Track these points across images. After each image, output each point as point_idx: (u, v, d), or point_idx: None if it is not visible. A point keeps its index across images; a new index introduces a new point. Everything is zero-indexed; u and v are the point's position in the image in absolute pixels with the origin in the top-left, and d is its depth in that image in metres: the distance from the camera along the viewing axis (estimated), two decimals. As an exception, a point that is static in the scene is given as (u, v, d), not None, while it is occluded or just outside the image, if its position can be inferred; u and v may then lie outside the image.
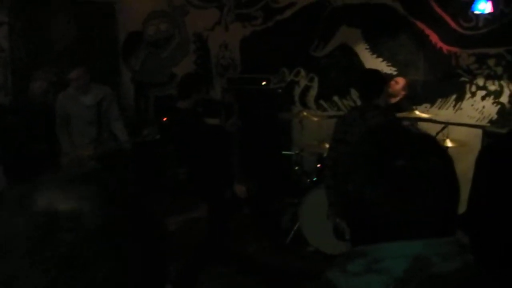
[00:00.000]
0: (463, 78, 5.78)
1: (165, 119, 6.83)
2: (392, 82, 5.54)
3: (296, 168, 6.02)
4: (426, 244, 0.98)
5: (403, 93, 5.59)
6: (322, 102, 6.64)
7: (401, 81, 5.61)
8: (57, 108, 5.14)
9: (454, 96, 5.84)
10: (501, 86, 5.58)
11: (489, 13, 5.39)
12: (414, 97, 5.82)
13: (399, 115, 5.19)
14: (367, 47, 6.28)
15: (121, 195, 0.77)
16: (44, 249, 0.66)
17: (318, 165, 5.48)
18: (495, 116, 5.62)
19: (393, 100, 5.51)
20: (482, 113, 5.72)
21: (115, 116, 5.39)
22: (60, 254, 0.66)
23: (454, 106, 5.85)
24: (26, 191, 0.72)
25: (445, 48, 5.84)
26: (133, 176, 5.42)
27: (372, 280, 0.96)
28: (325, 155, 5.33)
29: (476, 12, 5.40)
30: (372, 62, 6.25)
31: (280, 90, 6.64)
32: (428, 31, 5.89)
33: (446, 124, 5.13)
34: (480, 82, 5.70)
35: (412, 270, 0.95)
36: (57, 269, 0.65)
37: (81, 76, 4.96)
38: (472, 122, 5.71)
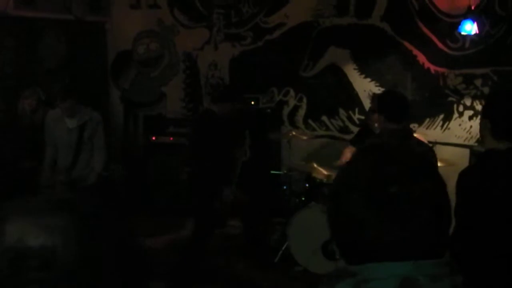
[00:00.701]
0: (450, 98, 5.83)
1: (154, 138, 6.86)
2: (376, 125, 5.44)
3: (285, 187, 6.01)
4: (415, 265, 0.97)
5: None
6: (311, 121, 6.66)
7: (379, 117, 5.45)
8: (45, 128, 5.05)
9: (442, 116, 5.89)
10: (488, 106, 5.62)
11: (475, 34, 5.46)
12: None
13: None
14: (356, 67, 6.32)
15: (95, 223, 0.73)
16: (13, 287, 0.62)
17: (307, 185, 5.47)
18: (482, 136, 5.65)
19: None
20: (470, 133, 5.76)
21: (99, 145, 5.13)
22: None
23: (442, 125, 5.89)
24: None
25: (433, 68, 5.90)
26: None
27: None
28: (313, 174, 5.35)
29: (463, 33, 5.47)
30: (361, 82, 6.30)
31: (269, 110, 6.66)
32: (416, 52, 5.95)
33: (434, 143, 5.16)
34: (468, 102, 5.75)
35: None
36: None
37: (69, 107, 4.83)
38: (460, 141, 5.75)
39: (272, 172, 6.32)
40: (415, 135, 5.23)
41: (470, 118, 5.75)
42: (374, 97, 6.09)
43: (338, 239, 1.10)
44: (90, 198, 0.78)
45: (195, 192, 4.91)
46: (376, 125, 5.44)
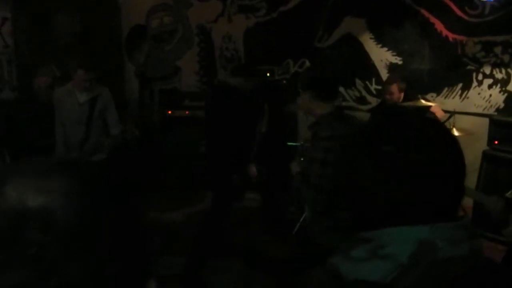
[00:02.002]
0: (469, 67, 5.72)
1: (169, 112, 6.86)
2: (388, 97, 5.37)
3: (302, 159, 5.99)
4: (432, 228, 0.95)
5: (401, 94, 5.40)
6: (327, 93, 6.60)
7: (394, 90, 5.40)
8: (54, 104, 4.99)
9: (460, 85, 5.79)
10: (508, 74, 5.52)
11: (495, 0, 5.33)
12: (420, 87, 5.78)
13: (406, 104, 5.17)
14: (372, 36, 6.23)
15: (98, 186, 0.71)
16: (12, 249, 0.61)
17: (324, 156, 5.44)
18: (502, 105, 5.56)
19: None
20: (489, 102, 5.66)
21: (113, 121, 5.00)
22: (29, 255, 0.61)
23: (461, 95, 5.80)
24: None
25: (451, 36, 5.79)
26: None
27: (376, 266, 0.94)
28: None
29: (482, -1, 5.35)
30: (377, 52, 6.21)
31: (284, 82, 6.61)
32: (433, 20, 5.83)
33: (453, 113, 5.09)
34: (487, 70, 5.64)
35: (417, 255, 0.93)
36: (25, 271, 0.61)
37: (84, 79, 4.77)
38: (479, 111, 5.66)
39: (289, 143, 6.30)
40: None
41: (490, 86, 5.64)
42: (391, 69, 6.04)
43: (352, 204, 1.09)
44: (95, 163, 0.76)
45: (213, 165, 4.91)
46: (387, 97, 5.39)
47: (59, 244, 0.62)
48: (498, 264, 1.06)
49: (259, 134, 5.09)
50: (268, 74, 6.41)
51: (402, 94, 5.36)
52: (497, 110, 5.58)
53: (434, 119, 1.16)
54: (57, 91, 4.98)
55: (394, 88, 5.33)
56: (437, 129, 1.08)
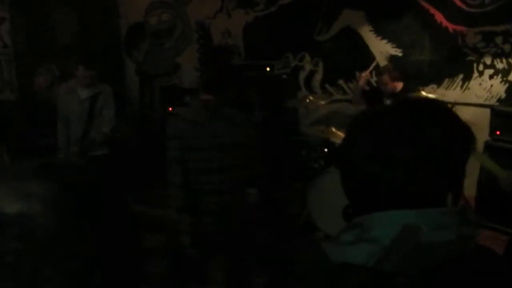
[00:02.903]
0: (470, 57, 5.70)
1: (170, 109, 6.85)
2: (383, 88, 5.34)
3: (303, 153, 5.98)
4: (418, 213, 0.95)
5: (397, 83, 5.35)
6: (327, 86, 6.60)
7: (386, 80, 5.30)
8: (58, 101, 5.04)
9: (461, 76, 5.76)
10: (509, 64, 5.49)
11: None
12: (421, 78, 5.76)
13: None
14: (371, 29, 6.20)
15: (81, 190, 0.66)
16: None
17: (325, 150, 5.44)
18: (503, 95, 5.54)
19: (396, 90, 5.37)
20: (490, 92, 5.64)
21: (110, 115, 5.05)
22: (6, 264, 0.58)
23: (462, 86, 5.78)
24: None
25: (451, 27, 5.76)
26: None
27: (361, 249, 0.95)
28: (332, 139, 5.31)
29: (482, -11, 5.32)
30: (377, 44, 6.19)
31: (285, 76, 6.60)
32: (433, 11, 5.80)
33: (454, 104, 5.08)
34: (488, 60, 5.61)
35: (400, 239, 0.93)
36: (2, 282, 0.57)
37: (86, 76, 4.81)
38: (480, 101, 5.64)
39: (290, 138, 6.30)
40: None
41: (491, 77, 5.62)
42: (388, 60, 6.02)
43: (346, 190, 1.09)
44: (79, 166, 0.73)
45: None
46: (382, 89, 5.37)
47: (39, 253, 0.59)
48: (493, 253, 1.04)
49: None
50: (268, 69, 6.39)
51: (400, 84, 5.28)
52: (499, 100, 5.55)
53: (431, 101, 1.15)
54: (60, 88, 5.02)
55: (386, 78, 5.27)
56: (437, 113, 1.06)
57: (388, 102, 5.21)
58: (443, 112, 1.06)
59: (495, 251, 1.04)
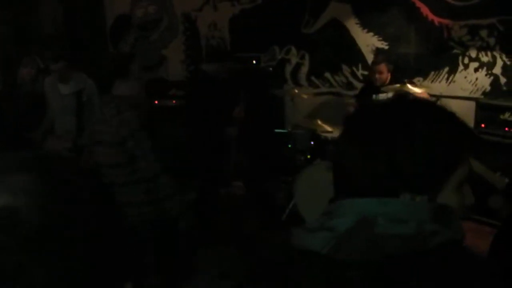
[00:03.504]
0: (455, 50, 5.73)
1: (156, 102, 6.81)
2: (377, 76, 5.41)
3: (289, 146, 5.99)
4: (380, 202, 0.94)
5: (389, 75, 5.45)
6: (314, 79, 6.60)
7: (383, 69, 5.44)
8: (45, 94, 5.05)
9: (446, 69, 5.79)
10: (494, 57, 5.53)
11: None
12: (406, 71, 5.78)
13: (390, 88, 5.18)
14: (358, 21, 6.21)
15: (68, 183, 0.64)
16: None
17: (312, 142, 5.45)
18: (488, 88, 5.57)
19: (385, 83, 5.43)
20: (476, 85, 5.67)
21: (95, 112, 4.97)
22: None
23: (447, 78, 5.81)
24: None
25: (437, 20, 5.78)
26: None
27: (320, 237, 0.95)
28: (318, 132, 5.33)
29: (467, -18, 5.34)
30: (363, 36, 6.19)
31: (271, 69, 6.59)
32: (419, 4, 5.82)
33: (439, 97, 5.11)
34: (473, 53, 5.65)
35: (354, 228, 0.92)
36: None
37: (61, 69, 4.80)
38: (466, 94, 5.67)
39: (276, 130, 6.29)
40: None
41: (476, 70, 5.65)
42: (378, 51, 6.04)
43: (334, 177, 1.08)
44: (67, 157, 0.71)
45: (197, 154, 4.90)
46: (377, 77, 5.41)
47: (24, 247, 0.57)
48: (462, 252, 0.98)
49: (237, 120, 5.04)
50: (254, 62, 6.38)
51: (389, 76, 5.38)
52: (484, 93, 5.59)
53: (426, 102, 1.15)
54: (45, 82, 5.01)
55: (383, 67, 5.36)
56: (419, 108, 1.07)
57: (376, 97, 5.25)
58: (441, 113, 1.06)
59: (467, 255, 1.00)
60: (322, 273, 0.94)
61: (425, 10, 5.81)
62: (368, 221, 0.92)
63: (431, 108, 1.08)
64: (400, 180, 0.96)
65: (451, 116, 1.06)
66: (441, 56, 5.80)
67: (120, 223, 0.69)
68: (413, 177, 0.96)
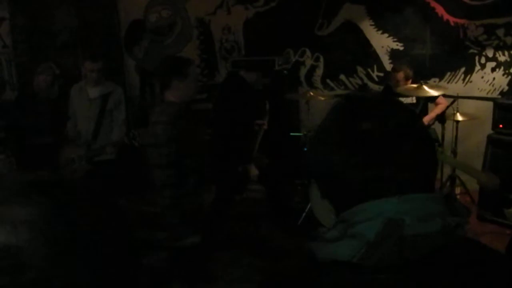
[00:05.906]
0: (471, 50, 5.66)
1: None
2: (394, 83, 5.38)
3: (305, 149, 5.96)
4: (400, 200, 0.93)
5: (407, 82, 5.40)
6: (329, 81, 6.57)
7: (400, 77, 5.40)
8: (69, 101, 5.13)
9: (463, 69, 5.73)
10: (511, 57, 5.45)
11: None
12: (422, 72, 5.72)
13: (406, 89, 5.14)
14: (372, 23, 6.17)
15: (71, 209, 0.60)
16: None
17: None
18: (506, 88, 5.50)
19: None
20: (493, 85, 5.61)
21: (119, 119, 5.03)
22: None
23: (464, 79, 5.75)
24: None
25: (452, 20, 5.72)
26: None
27: (346, 245, 0.92)
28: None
29: (483, -19, 5.28)
30: (378, 38, 6.15)
31: (285, 72, 6.56)
32: (434, 4, 5.77)
33: (456, 97, 5.04)
34: (490, 53, 5.58)
35: (383, 232, 0.90)
36: None
37: (100, 68, 4.84)
38: (483, 94, 5.61)
39: (292, 134, 6.26)
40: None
41: (493, 70, 5.59)
42: (395, 63, 5.98)
43: (324, 188, 1.08)
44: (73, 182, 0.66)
45: (216, 156, 4.88)
46: (394, 83, 5.36)
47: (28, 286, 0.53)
48: (479, 244, 1.01)
49: (261, 131, 5.03)
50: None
51: (408, 82, 5.33)
52: (501, 93, 5.52)
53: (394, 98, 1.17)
54: (73, 87, 5.11)
55: (400, 75, 5.32)
56: (398, 105, 1.06)
57: None
58: (410, 110, 1.06)
59: (481, 243, 1.02)
60: (355, 281, 0.92)
61: (440, 10, 5.75)
62: (396, 223, 0.90)
63: (403, 107, 1.07)
64: (405, 178, 0.95)
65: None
66: (457, 56, 5.74)
67: (132, 252, 0.65)
68: (417, 174, 0.97)
